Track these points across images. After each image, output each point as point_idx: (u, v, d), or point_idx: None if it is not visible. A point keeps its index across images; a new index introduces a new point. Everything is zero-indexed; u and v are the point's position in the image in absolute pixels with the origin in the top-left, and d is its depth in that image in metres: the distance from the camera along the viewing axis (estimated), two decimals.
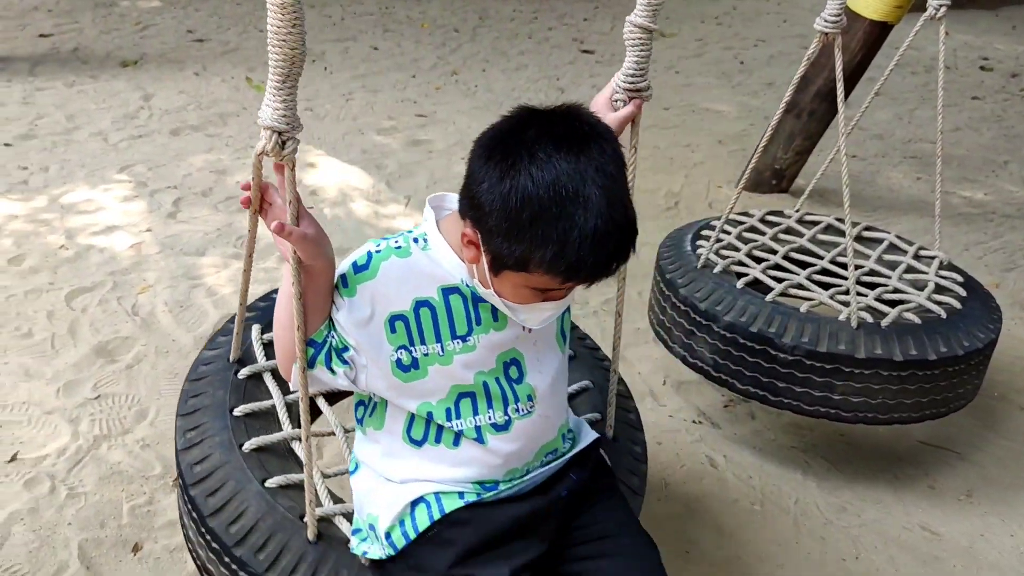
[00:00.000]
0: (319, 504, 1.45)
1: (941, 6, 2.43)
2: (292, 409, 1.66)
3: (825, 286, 2.39)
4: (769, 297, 2.25)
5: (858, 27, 3.55)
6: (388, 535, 1.34)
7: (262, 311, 1.84)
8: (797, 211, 2.78)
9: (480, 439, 1.32)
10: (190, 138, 4.26)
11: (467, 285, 1.28)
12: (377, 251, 1.27)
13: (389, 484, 1.37)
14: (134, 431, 2.33)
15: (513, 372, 1.34)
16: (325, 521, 1.44)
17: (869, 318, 2.20)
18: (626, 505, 1.48)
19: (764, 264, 2.43)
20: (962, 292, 2.38)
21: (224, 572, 1.42)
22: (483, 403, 1.32)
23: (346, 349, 1.28)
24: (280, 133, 1.12)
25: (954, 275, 2.48)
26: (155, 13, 6.42)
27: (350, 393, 1.54)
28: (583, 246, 1.10)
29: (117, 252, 3.17)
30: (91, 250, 3.17)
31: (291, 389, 1.38)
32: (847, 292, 2.24)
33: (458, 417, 1.31)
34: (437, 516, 1.31)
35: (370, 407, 1.40)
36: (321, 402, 1.76)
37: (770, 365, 2.17)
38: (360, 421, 1.43)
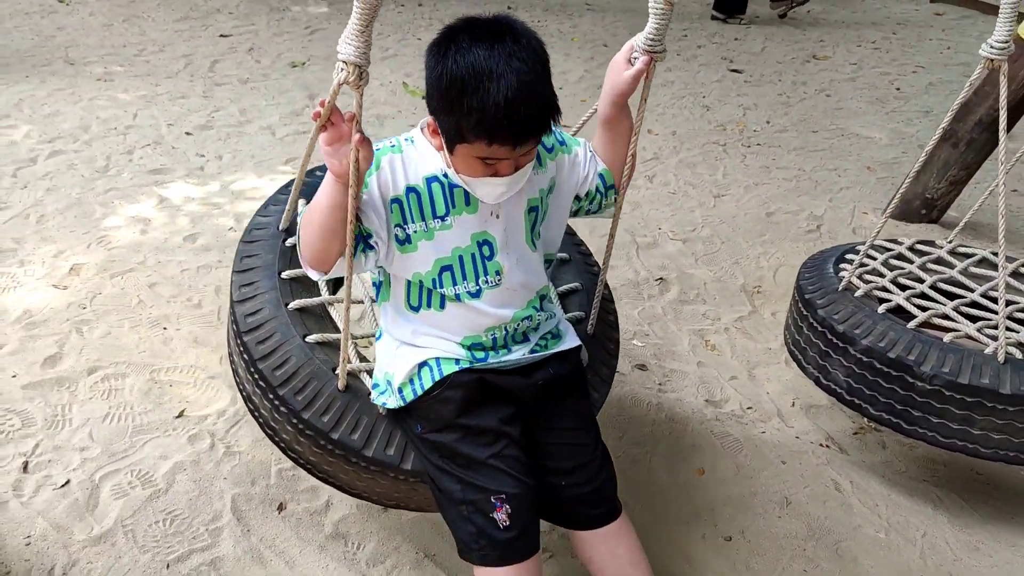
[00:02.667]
0: (349, 361, 1.72)
1: None
2: (333, 284, 2.01)
3: (973, 319, 2.32)
4: (911, 324, 2.21)
5: None
6: (400, 390, 1.68)
7: (307, 186, 2.01)
8: (949, 242, 2.70)
9: (458, 300, 1.65)
10: None
11: (444, 175, 1.59)
12: (378, 149, 1.58)
13: (403, 347, 1.71)
14: None
15: (486, 251, 1.65)
16: (352, 376, 1.76)
17: (1018, 354, 2.13)
18: (589, 408, 1.82)
19: (909, 292, 2.38)
20: None
21: (267, 405, 1.75)
22: (459, 274, 1.64)
23: (369, 235, 1.57)
24: (359, 67, 1.37)
25: None
26: (323, 19, 6.84)
27: None
28: (498, 112, 1.40)
29: None
30: None
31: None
32: (996, 327, 2.18)
33: (441, 286, 1.64)
34: (438, 378, 1.65)
35: (382, 285, 1.74)
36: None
37: (906, 393, 2.14)
38: (377, 297, 1.78)
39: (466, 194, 1.61)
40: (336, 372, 1.73)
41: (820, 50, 7.08)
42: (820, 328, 2.32)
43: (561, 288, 2.12)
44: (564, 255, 2.21)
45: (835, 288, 2.39)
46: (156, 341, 2.74)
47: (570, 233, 2.29)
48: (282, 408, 1.71)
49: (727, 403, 2.73)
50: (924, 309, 2.31)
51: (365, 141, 1.42)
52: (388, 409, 1.72)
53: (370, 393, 1.75)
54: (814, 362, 2.36)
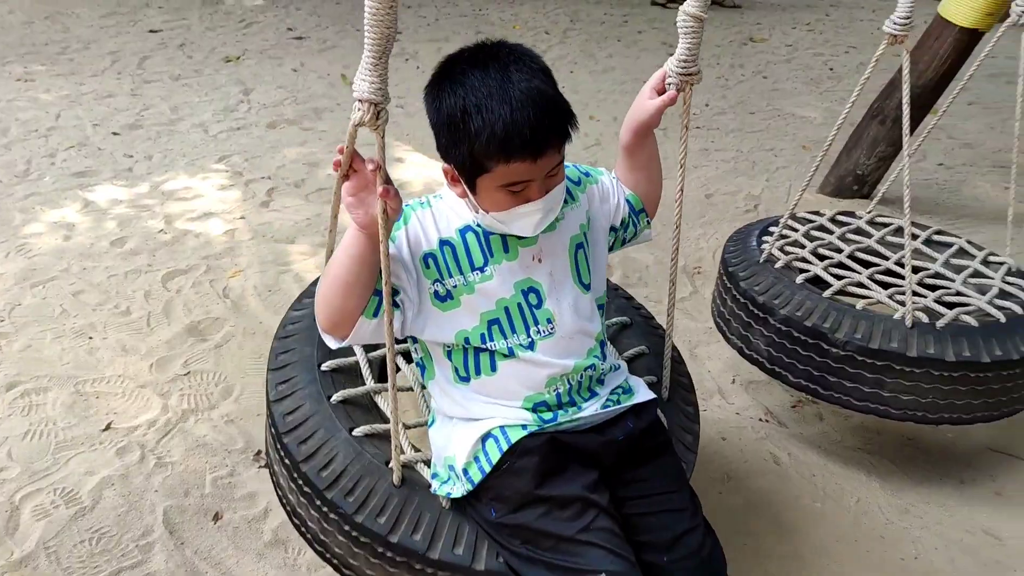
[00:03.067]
0: (402, 452, 1.56)
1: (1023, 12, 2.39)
2: (374, 365, 1.82)
3: (886, 286, 2.39)
4: (827, 293, 2.27)
5: (948, 34, 3.47)
6: (466, 471, 1.49)
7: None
8: (868, 212, 2.76)
9: (512, 355, 1.50)
10: (285, 131, 4.46)
11: (477, 224, 1.48)
12: (409, 206, 1.50)
13: (460, 426, 1.54)
14: (220, 407, 2.48)
15: (532, 299, 1.51)
16: (408, 467, 1.57)
17: (925, 318, 2.19)
18: (679, 464, 1.59)
19: (827, 262, 2.44)
20: None
21: (314, 515, 1.54)
22: (507, 327, 1.50)
23: (396, 292, 1.43)
24: (375, 104, 1.22)
25: (1021, 281, 2.43)
26: (258, 12, 6.71)
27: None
28: (507, 123, 1.30)
29: (212, 237, 3.36)
30: (187, 235, 3.37)
31: (339, 344, 1.50)
32: (906, 293, 2.24)
33: (491, 340, 1.50)
34: (506, 447, 1.46)
35: (425, 365, 1.59)
36: (400, 361, 1.92)
37: (822, 360, 2.18)
38: (423, 378, 1.63)
39: (503, 240, 1.49)
40: (389, 466, 1.53)
41: (757, 32, 7.14)
42: (742, 300, 2.37)
43: (627, 353, 1.95)
44: (625, 319, 2.07)
45: (757, 260, 2.44)
46: (81, 352, 2.66)
47: (626, 297, 2.20)
48: (331, 515, 1.51)
49: None
50: (841, 278, 2.36)
51: (392, 192, 1.28)
52: (453, 500, 1.50)
53: (430, 485, 1.53)
54: (737, 333, 2.41)
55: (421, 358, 1.61)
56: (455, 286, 1.48)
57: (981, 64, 2.63)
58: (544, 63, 1.39)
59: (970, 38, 3.46)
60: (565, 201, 1.53)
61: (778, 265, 2.39)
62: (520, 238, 1.49)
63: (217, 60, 5.51)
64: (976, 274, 2.49)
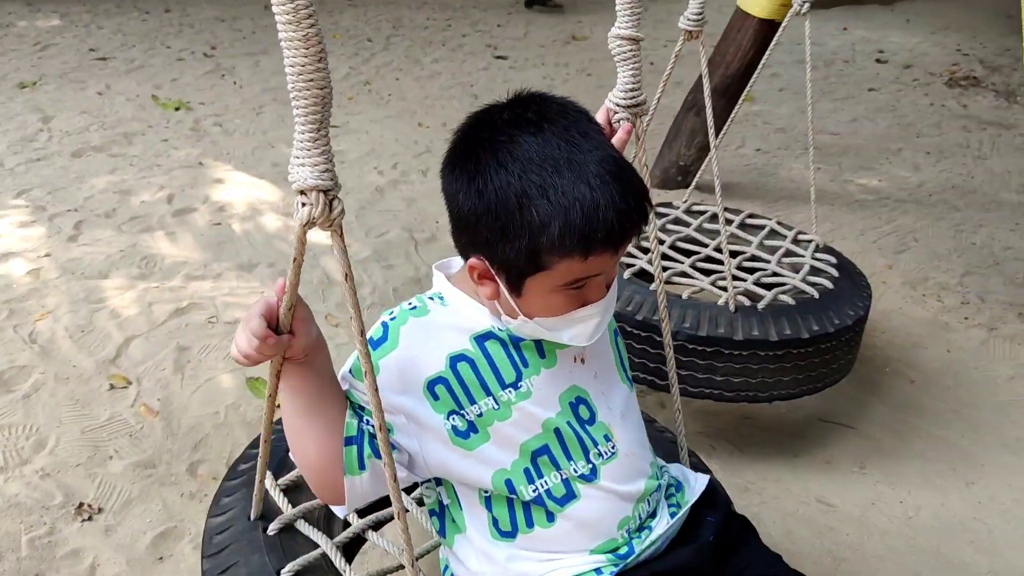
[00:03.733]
0: None
1: (805, 3, 2.57)
2: (345, 550, 1.41)
3: (708, 273, 2.50)
4: (653, 286, 2.33)
5: (748, 25, 3.68)
6: None
7: (277, 449, 1.53)
8: (684, 202, 2.89)
9: (573, 495, 1.18)
10: (92, 159, 4.17)
11: (500, 329, 1.17)
12: (392, 319, 1.15)
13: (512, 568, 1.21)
14: (32, 461, 2.28)
15: (584, 412, 1.20)
16: None
17: (747, 302, 2.31)
18: (762, 543, 1.36)
19: (650, 255, 2.51)
20: (835, 273, 2.52)
21: None
22: (561, 455, 1.17)
23: (388, 431, 1.05)
24: (325, 192, 0.92)
25: (828, 257, 2.62)
26: (55, 32, 6.25)
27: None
28: (587, 207, 1.01)
29: (14, 279, 3.09)
30: None
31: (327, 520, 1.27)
32: (726, 279, 2.34)
33: (540, 477, 1.17)
34: None
35: (445, 513, 1.26)
36: (369, 534, 1.49)
37: (656, 351, 2.25)
38: (442, 533, 1.28)
39: (537, 344, 1.18)
40: None
41: (579, 31, 7.34)
42: None
43: None
44: None
45: None
46: None
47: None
48: None
49: None
50: (665, 269, 2.44)
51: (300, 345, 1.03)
52: None
53: None
54: None
55: (441, 505, 1.26)
56: (480, 414, 1.15)
57: (780, 50, 2.79)
58: (589, 116, 1.12)
59: (769, 28, 3.67)
60: None
61: None
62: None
63: (10, 87, 5.10)
64: (788, 253, 2.65)
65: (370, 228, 3.68)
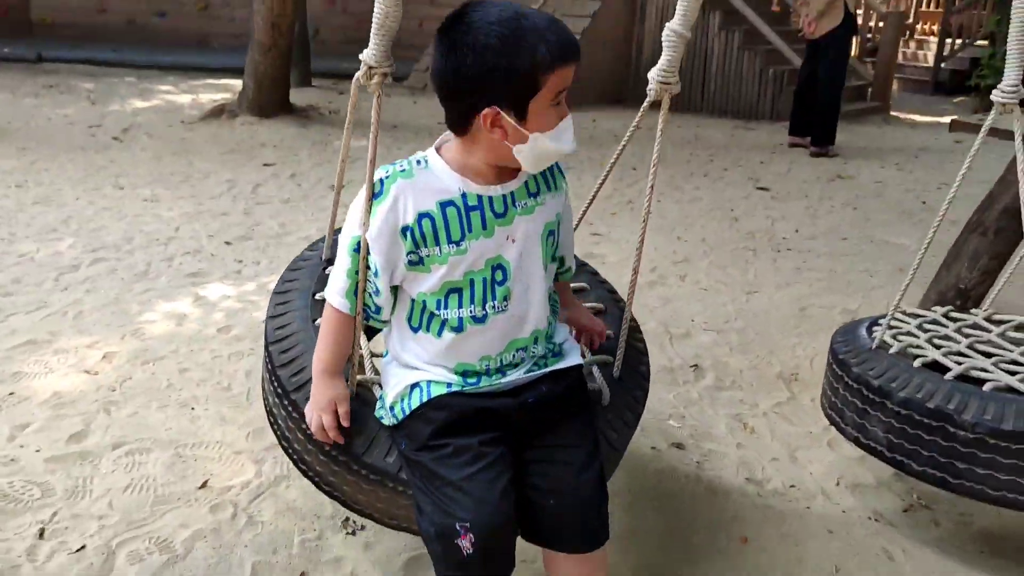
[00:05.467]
0: (362, 372, 1.82)
1: None
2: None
3: (1013, 374, 2.23)
4: (948, 376, 2.15)
5: None
6: (392, 408, 1.72)
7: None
8: (984, 310, 2.65)
9: (460, 328, 1.64)
10: None
11: (462, 195, 1.59)
12: (386, 176, 1.59)
13: (399, 368, 1.73)
14: None
15: (498, 275, 1.64)
16: (364, 387, 1.81)
17: None
18: (588, 425, 1.75)
19: (945, 349, 2.32)
20: None
21: (283, 413, 1.84)
22: (467, 297, 1.63)
23: (376, 274, 1.62)
24: (371, 68, 1.58)
25: None
26: (362, 150, 7.14)
27: None
28: (552, 30, 1.48)
29: None
30: None
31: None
32: None
33: (446, 308, 1.64)
34: (425, 399, 1.66)
35: (395, 301, 1.73)
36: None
37: (949, 444, 2.04)
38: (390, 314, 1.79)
39: (483, 217, 1.61)
40: (348, 382, 1.78)
41: (844, 171, 7.21)
42: (856, 385, 2.25)
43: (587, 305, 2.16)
44: (600, 306, 2.24)
45: (868, 347, 2.34)
46: (183, 420, 2.73)
47: (593, 272, 2.38)
48: (295, 413, 1.79)
49: (769, 482, 2.62)
50: (961, 364, 2.23)
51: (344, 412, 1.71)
52: (384, 424, 1.76)
53: (375, 404, 1.80)
54: (852, 421, 2.28)
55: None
56: (428, 255, 1.60)
57: None
58: None
59: None
60: (549, 188, 1.70)
61: (892, 351, 2.30)
62: (501, 215, 1.61)
63: (324, 187, 5.86)
64: None
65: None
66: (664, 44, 1.80)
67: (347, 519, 2.29)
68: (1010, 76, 2.06)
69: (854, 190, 6.58)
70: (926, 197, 6.37)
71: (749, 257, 4.82)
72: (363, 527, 2.27)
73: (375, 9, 1.55)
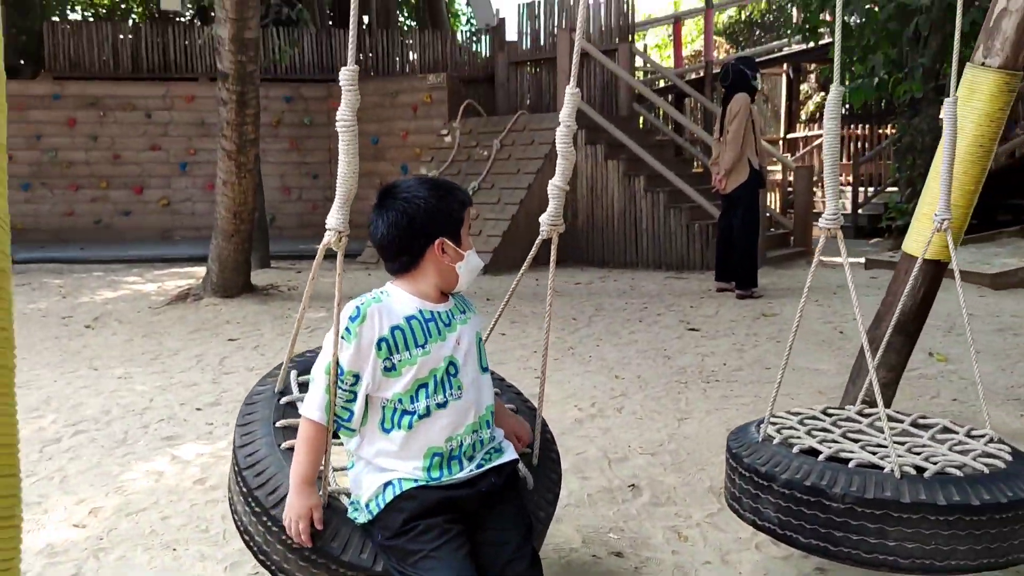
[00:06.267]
0: (329, 484, 2.16)
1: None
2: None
3: (875, 453, 2.66)
4: (821, 457, 2.57)
5: (912, 266, 4.03)
6: (367, 505, 2.09)
7: (299, 362, 2.70)
8: (857, 406, 3.12)
9: (427, 414, 2.08)
10: None
11: (420, 311, 2.13)
12: (362, 303, 2.10)
13: (372, 472, 2.11)
14: None
15: (451, 369, 2.13)
16: (333, 497, 2.17)
17: (912, 471, 2.47)
18: (520, 509, 2.20)
19: (820, 437, 2.76)
20: (1009, 457, 2.62)
21: (260, 529, 2.15)
22: (432, 388, 2.09)
23: (356, 380, 2.06)
24: (340, 232, 2.05)
25: (1003, 447, 2.72)
26: (320, 321, 7.62)
27: None
28: (457, 195, 2.22)
29: None
30: None
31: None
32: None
33: (416, 401, 2.08)
34: (397, 492, 2.05)
35: (363, 416, 2.11)
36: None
37: (826, 516, 2.43)
38: (359, 426, 2.15)
39: (438, 327, 2.14)
40: (320, 494, 2.13)
41: (768, 309, 7.86)
42: (747, 474, 2.66)
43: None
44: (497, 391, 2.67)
45: (756, 440, 2.77)
46: (167, 559, 3.01)
47: (509, 386, 2.85)
48: (273, 527, 2.13)
49: None
50: (831, 448, 2.67)
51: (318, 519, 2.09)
52: (358, 524, 2.12)
53: (346, 510, 2.16)
54: (748, 507, 2.66)
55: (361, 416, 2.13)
56: (400, 360, 2.07)
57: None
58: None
59: (935, 268, 4.01)
60: (468, 309, 2.27)
61: (776, 442, 2.73)
62: (447, 324, 2.16)
63: (285, 355, 6.26)
64: (960, 443, 2.78)
65: (568, 448, 4.13)
66: (550, 196, 2.42)
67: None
68: (830, 207, 2.63)
69: (778, 325, 7.18)
70: (843, 327, 6.98)
71: (681, 389, 5.28)
72: None
73: (339, 186, 2.04)
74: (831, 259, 11.22)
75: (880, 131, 16.41)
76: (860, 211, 14.61)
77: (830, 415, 3.06)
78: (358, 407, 2.07)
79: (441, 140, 12.50)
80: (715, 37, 20.61)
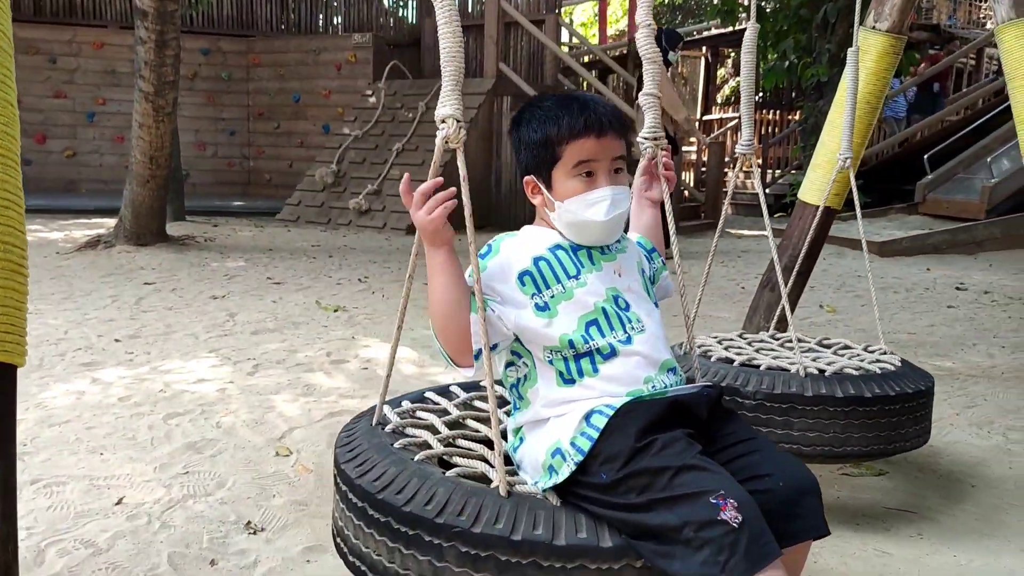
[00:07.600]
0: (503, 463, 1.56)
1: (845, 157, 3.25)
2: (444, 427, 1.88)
3: (776, 359, 2.96)
4: (735, 363, 2.84)
5: (808, 212, 4.35)
6: (573, 443, 1.56)
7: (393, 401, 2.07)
8: (769, 333, 3.40)
9: (613, 352, 1.64)
10: (267, 335, 5.07)
11: (563, 243, 1.71)
12: (495, 240, 1.72)
13: (559, 418, 1.63)
14: (215, 494, 2.84)
15: (621, 303, 1.69)
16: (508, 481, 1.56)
17: (815, 371, 2.76)
18: (747, 425, 1.74)
19: (735, 351, 3.03)
20: (899, 363, 2.93)
21: (424, 549, 1.48)
22: (606, 326, 1.65)
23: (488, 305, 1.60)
24: (457, 120, 1.50)
25: (894, 356, 3.03)
26: (239, 269, 7.58)
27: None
28: (578, 110, 1.65)
29: (206, 394, 3.83)
30: (184, 393, 3.84)
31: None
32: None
33: (591, 339, 1.63)
34: (611, 413, 1.55)
35: (522, 371, 1.72)
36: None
37: (739, 411, 2.67)
38: (516, 388, 1.73)
39: (589, 254, 1.71)
40: (492, 485, 1.54)
41: (674, 267, 8.19)
42: None
43: None
44: None
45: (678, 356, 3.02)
46: (94, 461, 3.04)
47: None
48: (446, 543, 1.46)
49: None
50: (742, 356, 2.93)
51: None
52: (560, 488, 1.55)
53: (534, 493, 1.58)
54: None
55: (519, 378, 1.72)
56: (553, 295, 1.65)
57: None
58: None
59: (826, 215, 4.33)
60: (619, 240, 1.77)
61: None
62: (603, 252, 1.72)
63: (205, 298, 6.22)
64: (858, 355, 3.09)
65: None
66: (645, 109, 2.00)
67: (248, 522, 2.66)
68: (745, 134, 2.86)
69: (686, 283, 7.50)
70: (744, 283, 7.38)
71: None
72: (263, 528, 2.65)
73: (448, 68, 1.52)
74: (738, 231, 11.76)
75: (789, 117, 17.12)
76: (767, 191, 15.26)
77: (744, 338, 3.32)
78: (507, 322, 1.64)
79: (365, 100, 12.44)
80: None
